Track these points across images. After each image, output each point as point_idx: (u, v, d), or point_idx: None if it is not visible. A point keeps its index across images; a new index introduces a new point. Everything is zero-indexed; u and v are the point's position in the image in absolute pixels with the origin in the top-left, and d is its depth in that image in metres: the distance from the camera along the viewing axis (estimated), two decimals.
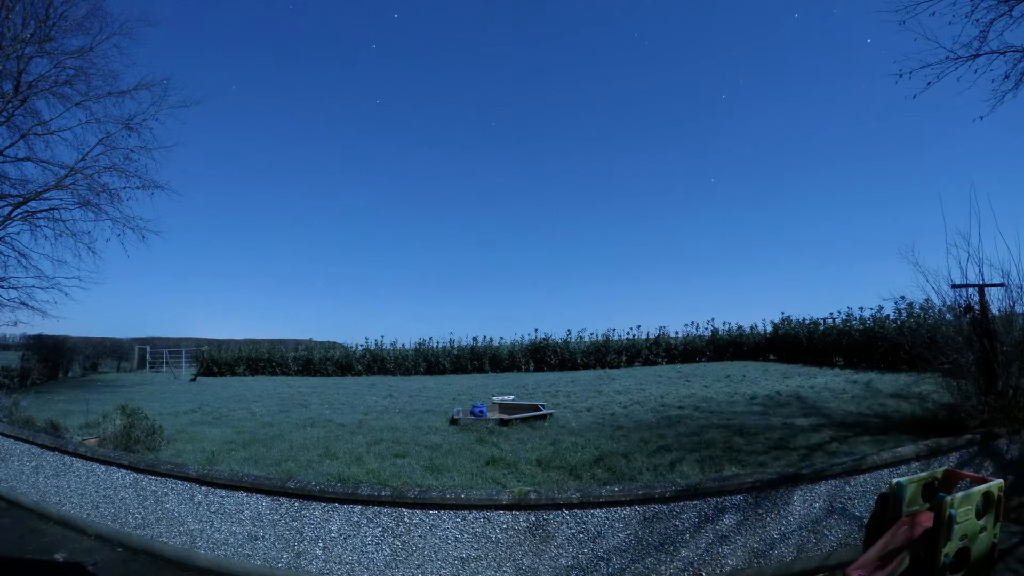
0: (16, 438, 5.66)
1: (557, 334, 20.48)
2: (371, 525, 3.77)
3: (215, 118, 48.21)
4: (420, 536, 3.69)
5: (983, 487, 4.06)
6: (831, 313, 16.78)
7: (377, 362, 20.40)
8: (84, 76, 13.08)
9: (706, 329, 20.75)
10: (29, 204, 13.11)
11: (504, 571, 3.62)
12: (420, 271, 55.84)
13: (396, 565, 3.70)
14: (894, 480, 4.22)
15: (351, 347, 21.74)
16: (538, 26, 54.94)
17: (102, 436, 6.31)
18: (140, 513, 4.57)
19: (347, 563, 3.78)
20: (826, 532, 4.03)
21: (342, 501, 3.84)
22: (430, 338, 21.05)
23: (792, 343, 17.58)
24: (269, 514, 4.01)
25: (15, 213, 13.00)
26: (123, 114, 13.73)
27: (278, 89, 54.11)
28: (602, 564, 3.63)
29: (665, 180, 54.95)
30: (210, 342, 25.59)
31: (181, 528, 4.33)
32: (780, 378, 12.16)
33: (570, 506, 3.63)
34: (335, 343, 24.39)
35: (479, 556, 3.64)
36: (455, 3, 54.14)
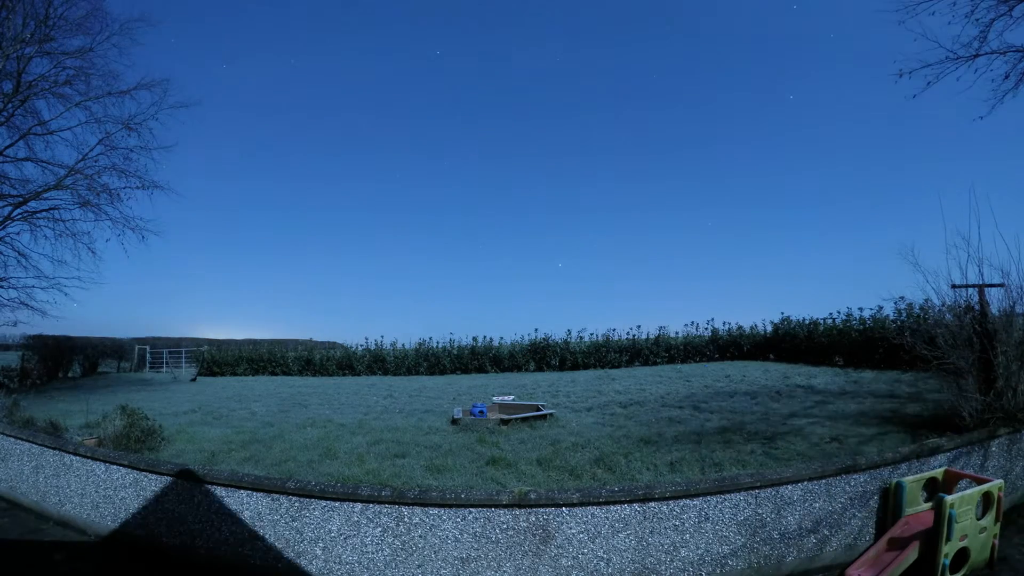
0: (16, 438, 5.66)
1: (557, 334, 20.53)
2: (371, 525, 3.77)
3: (212, 116, 48.18)
4: (420, 536, 3.69)
5: (983, 487, 4.06)
6: (831, 313, 16.78)
7: (378, 362, 20.40)
8: (84, 76, 13.12)
9: (706, 329, 20.75)
10: (29, 204, 13.12)
11: (504, 571, 3.63)
12: (420, 271, 55.85)
13: (396, 565, 3.71)
14: (894, 480, 4.22)
15: (351, 347, 21.75)
16: (549, 16, 54.92)
17: (102, 436, 6.31)
18: (140, 513, 4.57)
19: (347, 563, 3.78)
20: (826, 532, 4.03)
21: (342, 501, 3.84)
22: (430, 338, 21.09)
23: (792, 343, 17.58)
24: (269, 514, 4.01)
25: (15, 213, 13.01)
26: (123, 114, 13.79)
27: (275, 87, 54.11)
28: (602, 564, 3.64)
29: (666, 179, 54.90)
30: (210, 342, 25.59)
31: (181, 528, 4.33)
32: (780, 378, 12.16)
33: (570, 506, 3.64)
34: (335, 343, 24.44)
35: (479, 556, 3.64)
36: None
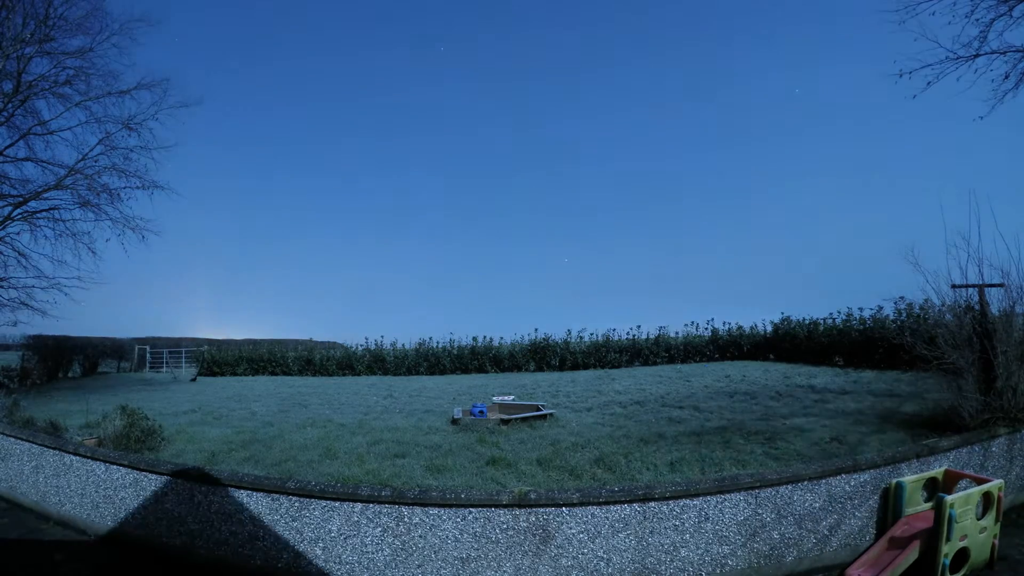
0: (16, 438, 5.67)
1: (557, 334, 20.51)
2: (371, 525, 3.77)
3: (213, 114, 48.16)
4: (420, 536, 3.69)
5: (983, 487, 4.06)
6: (831, 313, 16.77)
7: (378, 362, 20.40)
8: (84, 76, 13.10)
9: (706, 329, 20.73)
10: (29, 204, 13.11)
11: (504, 571, 3.63)
12: (420, 271, 55.81)
13: (396, 565, 3.71)
14: (894, 480, 4.22)
15: (352, 347, 21.74)
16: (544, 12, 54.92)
17: (102, 436, 6.31)
18: (140, 513, 4.57)
19: (347, 563, 3.78)
20: (826, 532, 4.03)
21: (342, 501, 3.84)
22: (430, 338, 21.06)
23: (792, 343, 17.59)
24: (269, 514, 4.01)
25: (15, 213, 13.00)
26: (123, 114, 13.76)
27: (275, 85, 54.09)
28: (602, 564, 3.64)
29: (666, 178, 54.88)
30: (210, 342, 25.59)
31: (181, 528, 4.33)
32: (780, 378, 12.16)
33: (570, 506, 3.64)
34: (335, 343, 24.41)
35: (479, 556, 3.64)
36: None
